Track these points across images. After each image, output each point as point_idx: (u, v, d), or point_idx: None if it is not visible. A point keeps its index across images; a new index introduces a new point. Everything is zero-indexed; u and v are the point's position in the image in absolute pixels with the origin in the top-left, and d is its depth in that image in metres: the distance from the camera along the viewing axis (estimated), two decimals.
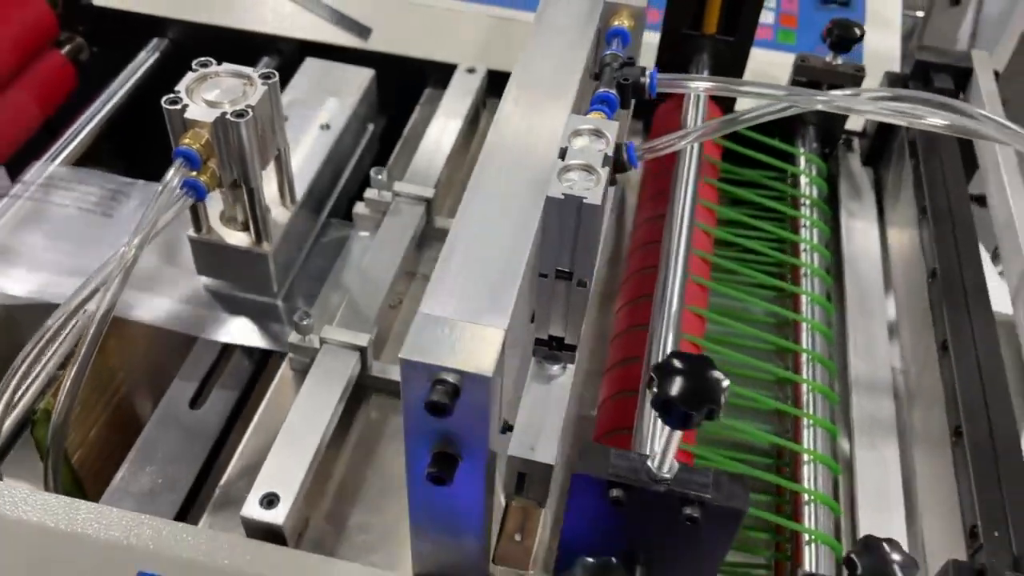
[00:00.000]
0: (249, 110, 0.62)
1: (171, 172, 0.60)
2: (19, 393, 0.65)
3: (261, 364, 0.75)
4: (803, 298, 0.72)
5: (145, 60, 0.97)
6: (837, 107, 0.61)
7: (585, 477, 0.44)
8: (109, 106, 0.92)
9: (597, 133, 0.52)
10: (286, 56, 0.94)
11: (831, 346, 0.71)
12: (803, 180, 0.82)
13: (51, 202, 0.80)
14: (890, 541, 0.47)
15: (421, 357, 0.40)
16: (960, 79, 0.80)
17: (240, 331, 0.71)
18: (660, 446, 0.43)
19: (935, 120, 0.58)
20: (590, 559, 0.41)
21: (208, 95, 0.62)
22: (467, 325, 0.42)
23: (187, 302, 0.72)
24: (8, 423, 0.62)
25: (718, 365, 0.41)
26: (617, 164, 0.62)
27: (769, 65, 0.97)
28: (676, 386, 0.40)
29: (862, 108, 0.61)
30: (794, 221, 0.79)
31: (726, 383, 0.40)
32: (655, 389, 0.40)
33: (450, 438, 0.44)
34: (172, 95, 0.62)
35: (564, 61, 0.58)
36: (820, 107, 0.61)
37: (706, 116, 0.80)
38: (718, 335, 0.71)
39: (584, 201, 0.48)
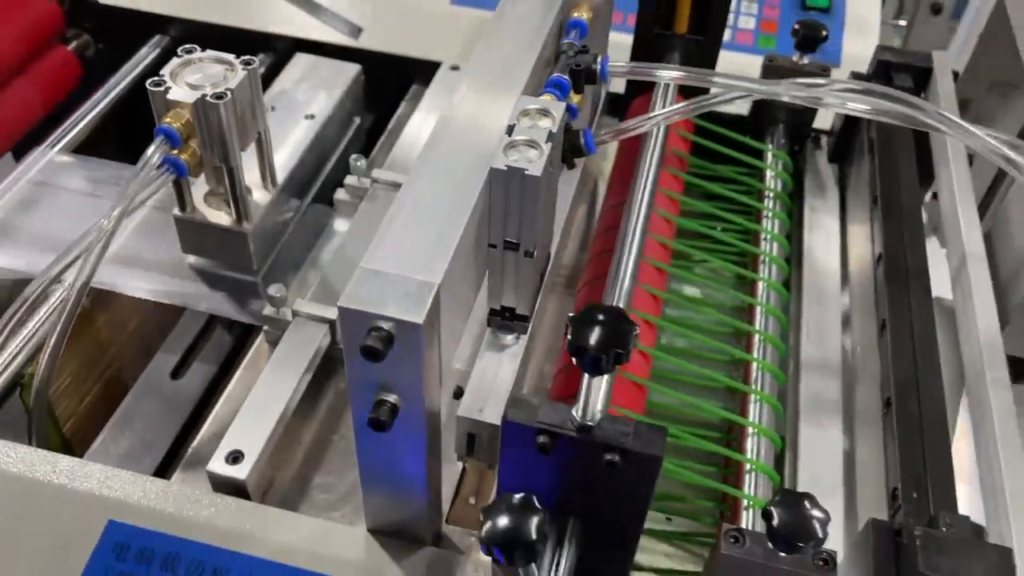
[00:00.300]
0: (228, 92, 0.65)
1: (151, 148, 0.64)
2: (3, 359, 0.69)
3: (241, 339, 0.78)
4: (760, 284, 0.75)
5: (146, 56, 1.01)
6: (766, 92, 0.65)
7: (515, 425, 0.47)
8: (109, 98, 0.96)
9: (544, 112, 0.55)
10: (280, 53, 0.99)
11: (784, 330, 0.73)
12: (769, 175, 0.85)
13: (49, 185, 0.84)
14: (808, 495, 0.50)
15: (358, 306, 0.44)
16: (920, 79, 0.83)
17: (220, 304, 0.74)
18: (582, 395, 0.46)
19: (881, 107, 0.61)
20: (515, 496, 0.44)
21: (191, 79, 0.66)
22: (403, 278, 0.45)
23: (172, 277, 0.76)
24: None
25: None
26: (576, 149, 0.66)
27: (747, 67, 1.00)
28: (589, 334, 0.43)
29: (797, 94, 0.64)
30: (758, 213, 0.82)
31: (635, 331, 0.43)
32: (569, 336, 0.43)
33: (389, 386, 0.47)
34: (156, 78, 0.66)
35: (520, 49, 0.62)
36: (756, 95, 0.65)
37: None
38: (678, 318, 0.74)
39: (526, 172, 0.51)
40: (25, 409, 0.71)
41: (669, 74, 0.66)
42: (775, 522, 0.48)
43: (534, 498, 0.44)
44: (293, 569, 0.56)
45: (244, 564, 0.56)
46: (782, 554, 0.50)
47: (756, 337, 0.71)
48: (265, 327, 0.72)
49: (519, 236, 0.55)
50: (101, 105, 0.95)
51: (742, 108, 0.91)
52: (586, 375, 0.45)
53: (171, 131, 0.64)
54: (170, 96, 0.65)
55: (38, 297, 0.68)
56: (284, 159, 0.79)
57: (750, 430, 0.65)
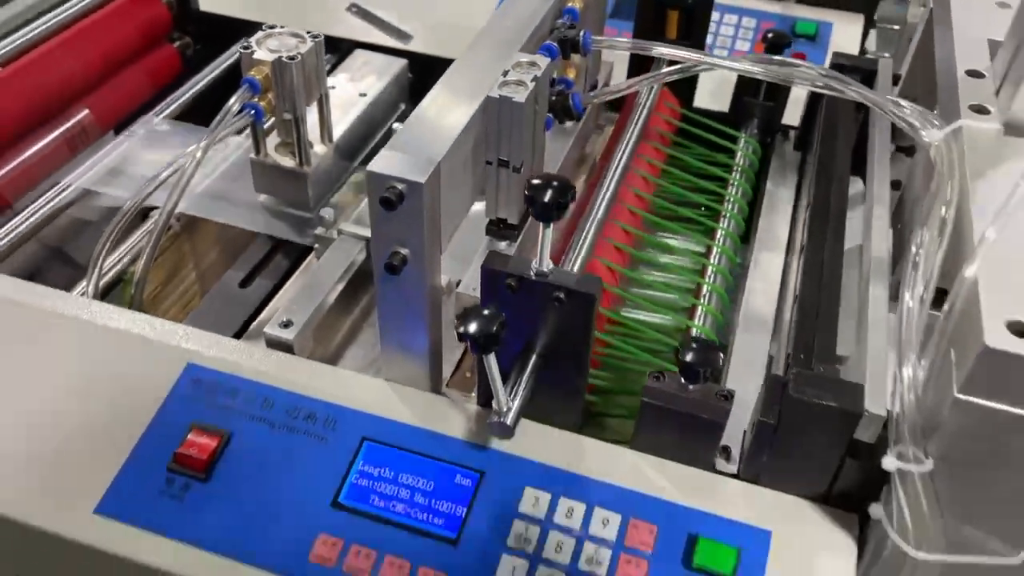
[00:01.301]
0: (299, 56, 0.85)
1: (237, 94, 0.84)
2: (110, 261, 0.89)
3: (297, 262, 0.97)
4: (719, 231, 0.91)
5: (234, 52, 1.23)
6: (729, 67, 0.82)
7: (489, 270, 0.64)
8: (203, 83, 1.18)
9: (532, 64, 0.73)
10: (343, 52, 1.19)
11: (733, 264, 0.90)
12: (739, 155, 1.01)
13: (152, 141, 1.05)
14: (711, 343, 0.66)
15: (378, 170, 0.62)
16: (866, 79, 0.99)
17: (282, 231, 0.93)
18: (539, 250, 0.63)
19: (812, 77, 0.79)
20: (483, 308, 0.61)
21: (271, 46, 0.86)
22: (412, 157, 0.63)
23: (246, 210, 0.95)
24: (102, 283, 0.86)
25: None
26: (566, 108, 0.83)
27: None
28: (542, 193, 0.60)
29: (749, 68, 0.81)
30: (727, 182, 0.99)
31: (574, 189, 0.60)
32: (528, 193, 0.60)
33: (401, 242, 0.64)
34: (245, 43, 0.86)
35: (521, 23, 0.80)
36: (726, 66, 0.82)
37: (658, 97, 1.02)
38: (646, 257, 0.90)
39: (512, 99, 0.69)
40: (126, 303, 0.90)
41: (633, 44, 0.84)
42: (685, 358, 0.64)
43: (497, 310, 0.61)
44: (324, 402, 0.73)
45: (288, 396, 0.73)
46: (691, 386, 0.66)
47: (709, 269, 0.87)
48: (316, 246, 0.90)
49: (509, 155, 0.73)
50: (196, 88, 1.16)
51: (724, 105, 1.08)
52: (541, 226, 0.62)
53: (254, 81, 0.84)
54: (255, 56, 0.85)
55: (140, 212, 0.88)
56: (339, 123, 0.99)
57: (694, 331, 0.80)
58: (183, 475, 0.69)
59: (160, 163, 0.91)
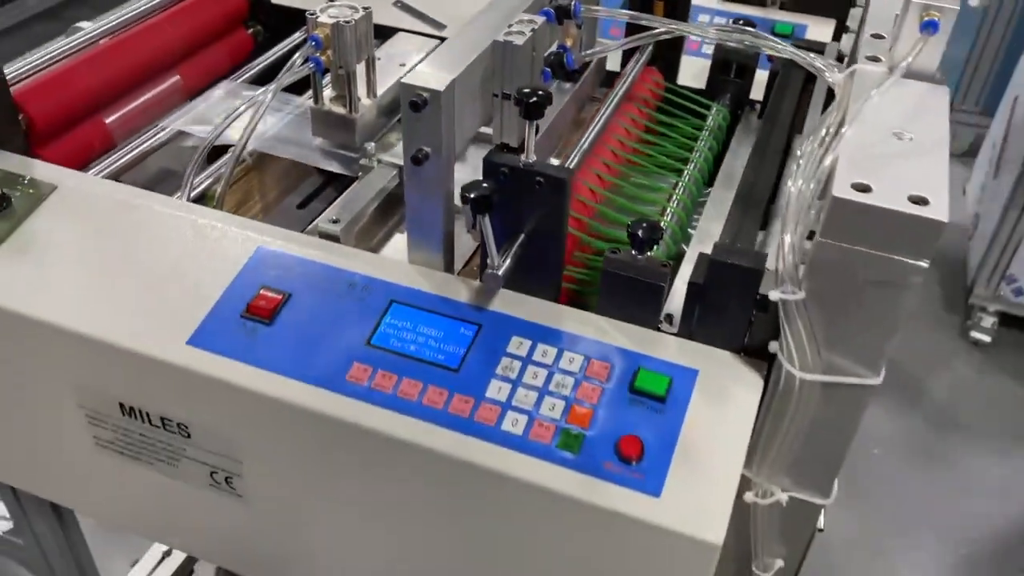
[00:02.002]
0: (353, 21, 1.09)
1: (302, 49, 1.08)
2: (197, 180, 1.12)
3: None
4: (685, 173, 1.12)
5: (298, 38, 1.47)
6: (685, 31, 1.04)
7: (489, 161, 0.86)
8: (273, 57, 1.42)
9: (531, 21, 0.96)
10: (387, 35, 1.43)
11: (693, 202, 1.10)
12: (710, 119, 1.23)
13: (229, 97, 1.29)
14: (656, 223, 0.87)
15: (410, 81, 0.84)
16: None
17: (332, 166, 1.16)
18: (526, 145, 0.85)
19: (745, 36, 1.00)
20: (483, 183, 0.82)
21: (331, 13, 1.10)
22: (434, 74, 0.85)
23: (305, 149, 1.18)
24: (192, 195, 1.09)
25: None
26: (561, 64, 1.05)
27: None
28: (530, 94, 0.82)
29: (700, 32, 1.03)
30: (695, 139, 1.20)
31: (550, 94, 0.82)
32: (517, 96, 0.82)
33: (424, 141, 0.86)
34: (311, 11, 1.10)
35: None
36: (681, 32, 1.04)
37: (643, 72, 1.24)
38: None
39: (512, 43, 0.92)
40: None
41: (617, 13, 1.06)
42: (635, 232, 0.85)
43: (494, 185, 0.82)
44: (362, 275, 0.94)
45: (335, 271, 0.95)
46: (639, 256, 0.86)
47: (674, 195, 1.08)
48: (360, 175, 1.13)
49: (510, 88, 0.95)
50: (266, 62, 1.41)
51: (701, 82, 1.30)
52: (527, 125, 0.83)
53: (317, 37, 1.08)
54: (319, 20, 1.09)
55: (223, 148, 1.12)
56: (382, 85, 1.22)
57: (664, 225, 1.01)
58: (253, 320, 0.91)
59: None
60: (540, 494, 0.80)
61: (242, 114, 1.10)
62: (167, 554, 2.00)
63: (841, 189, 0.72)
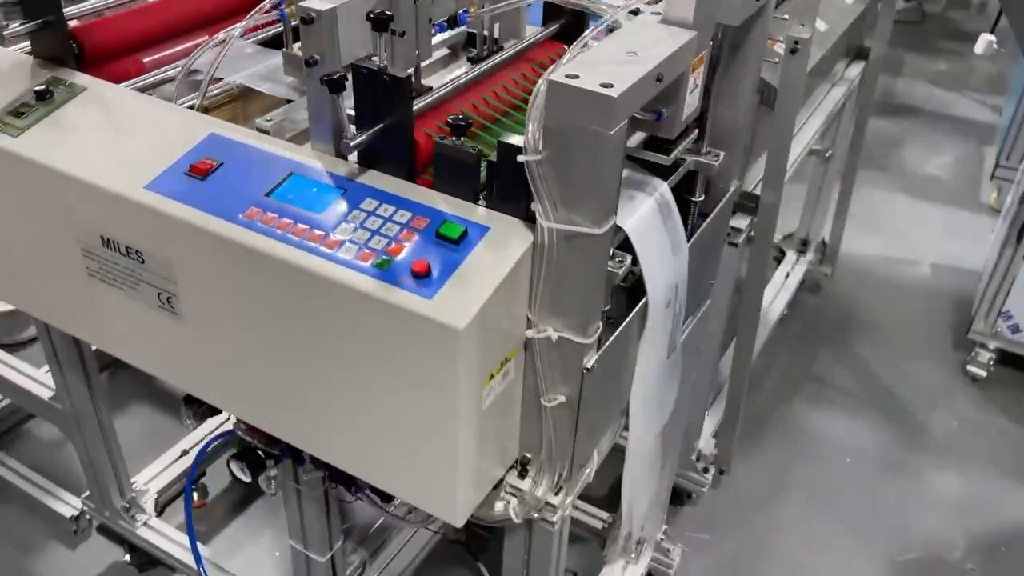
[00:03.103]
0: None
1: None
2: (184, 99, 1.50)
3: None
4: None
5: None
6: None
7: (354, 66, 1.19)
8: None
9: None
10: None
11: None
12: None
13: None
14: (469, 118, 1.18)
15: (304, 3, 1.18)
16: None
17: (294, 96, 1.52)
18: (380, 54, 1.18)
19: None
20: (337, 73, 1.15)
21: None
22: (328, 4, 1.20)
23: (277, 84, 1.54)
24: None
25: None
26: (454, 21, 1.39)
27: None
28: (379, 14, 1.15)
29: None
30: None
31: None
32: (367, 15, 1.15)
33: (314, 48, 1.21)
34: None
35: None
36: None
37: (541, 40, 1.56)
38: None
39: None
40: None
41: None
42: (454, 123, 1.17)
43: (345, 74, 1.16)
44: (272, 154, 1.29)
45: (257, 152, 1.30)
46: (457, 141, 1.18)
47: None
48: None
49: (396, 25, 1.28)
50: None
51: None
52: (378, 36, 1.16)
53: None
54: None
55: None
56: None
57: None
58: (192, 177, 1.27)
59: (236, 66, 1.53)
60: (354, 293, 1.11)
61: (213, 48, 1.48)
62: (184, 453, 2.39)
63: (557, 76, 1.02)
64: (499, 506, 1.32)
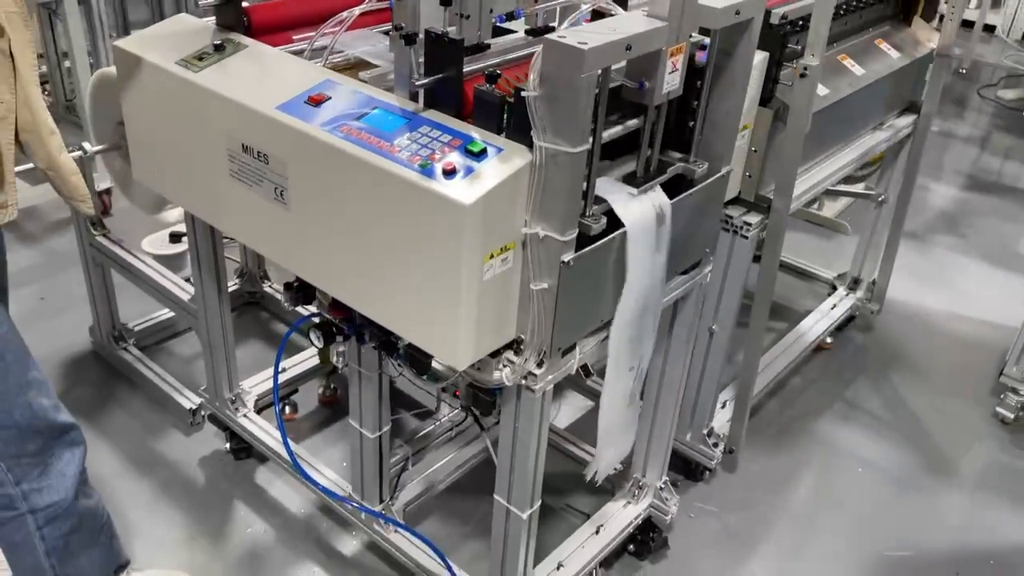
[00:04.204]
0: None
1: None
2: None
3: None
4: None
5: None
6: None
7: (427, 30, 1.68)
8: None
9: None
10: None
11: None
12: None
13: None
14: (498, 74, 1.65)
15: None
16: None
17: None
18: (445, 23, 1.66)
19: None
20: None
21: None
22: None
23: (384, 61, 2.07)
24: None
25: None
26: (511, 17, 1.87)
27: None
28: None
29: None
30: None
31: None
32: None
33: (402, 18, 1.71)
34: None
35: None
36: None
37: None
38: None
39: None
40: None
41: None
42: (489, 78, 1.64)
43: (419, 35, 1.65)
44: (367, 95, 1.79)
45: (355, 92, 1.81)
46: (492, 88, 1.65)
47: None
48: None
49: (467, 11, 1.77)
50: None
51: None
52: (445, 11, 1.65)
53: None
54: None
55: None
56: None
57: None
58: (309, 104, 1.79)
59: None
60: (403, 182, 1.59)
61: (335, 27, 2.01)
62: (283, 370, 2.91)
63: (554, 36, 1.47)
64: (496, 373, 1.75)
